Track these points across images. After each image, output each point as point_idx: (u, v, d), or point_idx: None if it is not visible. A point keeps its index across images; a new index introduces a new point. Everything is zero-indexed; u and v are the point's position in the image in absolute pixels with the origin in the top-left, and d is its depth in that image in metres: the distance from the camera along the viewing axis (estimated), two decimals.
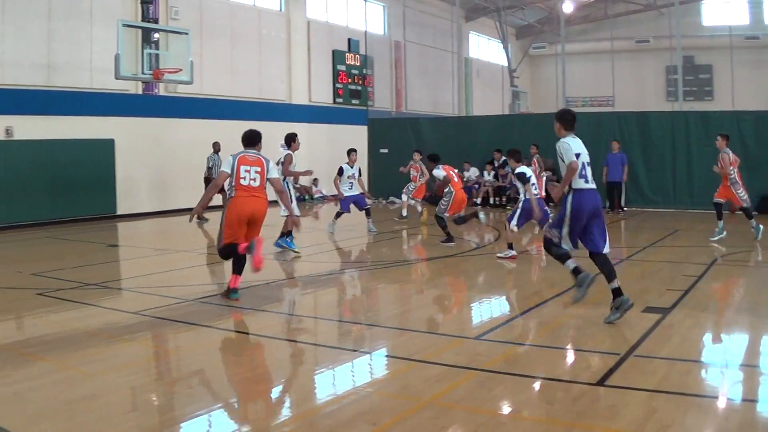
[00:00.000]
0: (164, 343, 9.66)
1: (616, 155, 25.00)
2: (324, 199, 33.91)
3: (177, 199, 25.77)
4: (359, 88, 38.74)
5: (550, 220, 11.65)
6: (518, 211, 15.62)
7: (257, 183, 11.65)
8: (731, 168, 17.40)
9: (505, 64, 48.69)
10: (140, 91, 27.41)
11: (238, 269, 11.88)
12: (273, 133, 26.27)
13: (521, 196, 15.75)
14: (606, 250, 9.86)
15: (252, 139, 12.17)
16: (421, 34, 42.95)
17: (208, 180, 24.17)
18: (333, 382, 7.85)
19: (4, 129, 22.93)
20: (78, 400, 7.06)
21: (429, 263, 15.88)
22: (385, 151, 32.10)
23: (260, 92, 32.80)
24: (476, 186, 28.97)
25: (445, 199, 17.88)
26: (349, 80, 38.22)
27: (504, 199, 28.09)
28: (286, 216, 15.95)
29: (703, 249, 16.64)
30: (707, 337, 9.35)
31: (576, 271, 9.77)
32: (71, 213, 24.43)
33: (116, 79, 21.92)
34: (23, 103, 23.35)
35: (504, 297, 12.43)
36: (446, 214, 17.86)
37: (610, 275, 9.72)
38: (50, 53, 24.18)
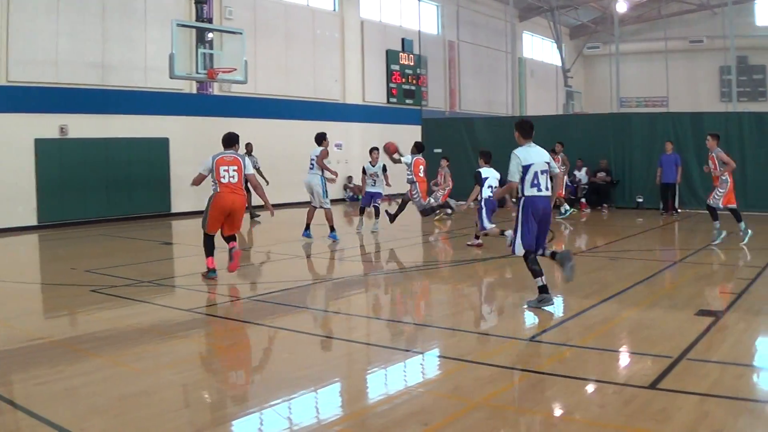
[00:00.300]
0: (217, 340, 9.61)
1: (669, 156, 24.59)
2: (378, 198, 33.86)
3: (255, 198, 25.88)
4: (413, 87, 38.69)
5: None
6: (482, 211, 16.33)
7: (236, 180, 13.33)
8: (722, 168, 17.55)
9: (559, 63, 48.35)
10: (194, 91, 27.57)
11: (210, 252, 13.73)
12: (328, 132, 26.39)
13: (480, 196, 16.45)
14: (540, 253, 11.00)
15: (230, 141, 13.81)
16: (474, 34, 42.81)
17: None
18: (385, 382, 7.76)
19: (59, 127, 23.14)
20: (130, 396, 7.03)
21: (480, 264, 15.74)
22: (439, 151, 31.92)
23: (314, 92, 32.87)
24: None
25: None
26: (403, 80, 38.20)
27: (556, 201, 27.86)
28: (323, 209, 18.58)
29: (757, 251, 16.34)
30: (760, 341, 9.11)
31: (542, 289, 10.78)
32: (125, 211, 24.63)
33: (171, 78, 21.99)
34: (78, 102, 23.57)
35: (557, 298, 12.26)
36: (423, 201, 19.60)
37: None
38: (105, 53, 24.38)
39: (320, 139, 18.88)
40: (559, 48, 47.37)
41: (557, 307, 11.59)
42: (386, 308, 12.03)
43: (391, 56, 37.53)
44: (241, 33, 23.55)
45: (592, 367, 7.86)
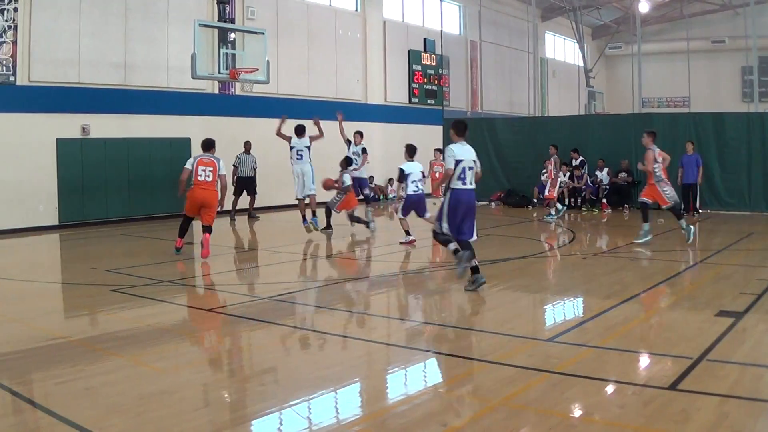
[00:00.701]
0: (237, 340, 9.63)
1: (690, 157, 24.43)
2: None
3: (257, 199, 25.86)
4: (435, 88, 38.65)
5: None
6: (402, 203, 18.06)
7: (210, 179, 16.14)
8: (656, 166, 17.45)
9: (581, 64, 48.19)
10: (216, 91, 27.63)
11: (182, 234, 16.81)
12: (350, 132, 26.34)
13: (403, 192, 18.01)
14: (474, 238, 12.23)
15: (208, 146, 16.85)
16: (496, 34, 42.75)
17: (241, 179, 24.36)
18: (405, 382, 7.76)
19: (80, 127, 23.24)
20: (150, 395, 7.04)
21: (500, 264, 15.71)
22: None
23: (336, 92, 32.87)
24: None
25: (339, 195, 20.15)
26: (425, 80, 38.16)
27: (579, 200, 27.74)
28: (309, 195, 20.08)
29: None
30: None
31: (455, 252, 12.10)
32: (146, 211, 24.69)
33: (193, 78, 22.05)
34: (100, 102, 23.65)
35: (577, 299, 12.23)
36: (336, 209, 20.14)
37: (472, 256, 12.00)
38: (127, 53, 24.46)
39: (303, 130, 20.54)
40: (581, 48, 47.25)
41: (577, 307, 11.57)
42: (405, 308, 12.01)
43: (413, 56, 37.49)
44: (263, 33, 23.59)
45: (611, 368, 7.82)
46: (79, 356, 8.44)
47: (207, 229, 16.16)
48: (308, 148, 20.34)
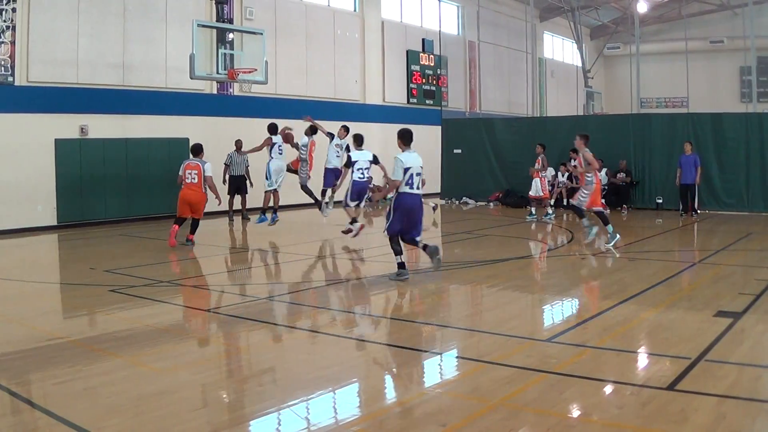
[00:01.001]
0: (235, 340, 9.63)
1: (689, 157, 24.37)
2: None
3: (252, 198, 25.77)
4: (433, 88, 38.66)
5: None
6: (348, 189, 18.64)
7: (196, 180, 18.03)
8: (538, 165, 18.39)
9: (580, 64, 48.21)
10: (215, 91, 27.62)
11: (179, 223, 18.54)
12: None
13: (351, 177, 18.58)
14: (419, 238, 13.36)
15: (196, 151, 18.65)
16: (495, 34, 42.72)
17: (233, 177, 24.37)
18: (403, 383, 7.77)
19: (79, 128, 23.23)
20: (148, 396, 7.04)
21: (499, 265, 15.73)
22: (459, 151, 31.97)
23: (334, 92, 32.87)
24: (550, 187, 28.63)
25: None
26: (423, 80, 38.16)
27: None
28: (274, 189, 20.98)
29: None
30: None
31: (400, 265, 13.29)
32: (145, 211, 24.67)
33: (191, 78, 22.01)
34: (98, 102, 23.64)
35: (575, 299, 12.25)
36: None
37: (415, 244, 13.39)
38: (125, 53, 24.45)
39: (276, 129, 21.58)
40: (580, 48, 47.27)
41: (576, 308, 11.59)
42: (404, 309, 12.01)
43: (411, 57, 37.48)
44: (261, 33, 23.56)
45: (610, 369, 7.83)
46: (78, 356, 8.46)
47: (194, 222, 18.64)
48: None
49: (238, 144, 24.45)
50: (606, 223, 17.43)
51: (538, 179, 24.22)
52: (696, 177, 24.18)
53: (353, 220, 18.69)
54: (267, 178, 20.94)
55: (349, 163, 18.33)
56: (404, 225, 13.10)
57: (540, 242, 19.78)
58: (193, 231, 18.46)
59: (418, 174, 13.03)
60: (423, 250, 13.41)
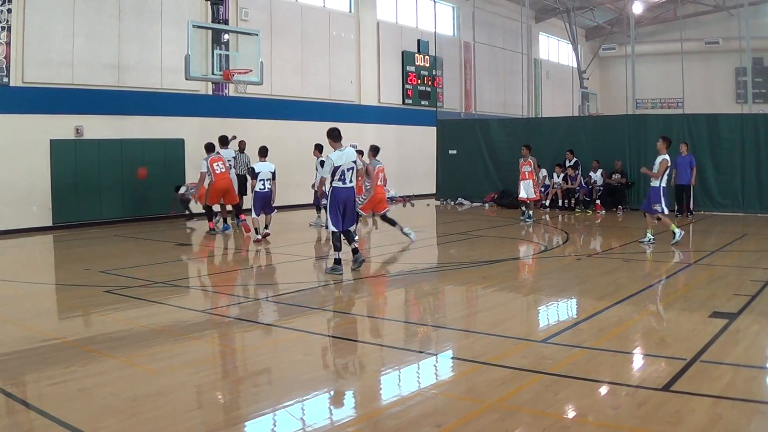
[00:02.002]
0: (231, 341, 9.63)
1: (684, 158, 24.36)
2: (392, 199, 33.78)
3: (247, 199, 25.79)
4: (428, 89, 38.67)
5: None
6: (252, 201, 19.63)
7: (224, 170, 20.57)
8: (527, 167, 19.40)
9: (575, 65, 48.24)
10: (210, 92, 27.63)
11: (210, 217, 21.02)
12: (343, 133, 26.29)
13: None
14: (353, 228, 14.63)
15: (212, 147, 20.86)
16: (490, 35, 42.72)
17: (237, 177, 24.47)
18: (398, 383, 7.76)
19: (74, 128, 23.22)
20: (143, 397, 7.04)
21: (494, 265, 15.73)
22: (454, 152, 31.97)
23: (330, 93, 32.89)
24: (544, 188, 28.63)
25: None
26: (419, 81, 38.18)
27: (573, 201, 27.76)
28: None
29: None
30: None
31: (336, 261, 14.24)
32: (140, 212, 24.67)
33: (186, 79, 22.04)
34: (93, 103, 23.64)
35: (570, 300, 12.25)
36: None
37: (351, 241, 14.49)
38: (120, 54, 24.45)
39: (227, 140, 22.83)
40: (575, 49, 47.31)
41: (571, 308, 11.58)
42: (399, 309, 11.99)
43: (406, 57, 37.51)
44: (257, 34, 23.62)
45: (605, 369, 7.83)
46: (73, 357, 8.45)
47: (236, 208, 21.55)
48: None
49: (242, 144, 24.45)
50: (393, 224, 18.82)
51: (530, 181, 23.52)
52: (691, 178, 24.21)
53: (257, 230, 19.24)
54: None
55: (254, 175, 19.30)
56: (340, 217, 14.10)
57: (535, 243, 19.75)
58: (239, 214, 21.25)
59: (350, 169, 14.14)
60: (353, 252, 14.53)
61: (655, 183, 17.87)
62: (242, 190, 23.98)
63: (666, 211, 18.07)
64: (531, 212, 23.63)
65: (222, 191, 20.55)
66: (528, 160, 23.37)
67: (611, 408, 6.64)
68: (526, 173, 23.29)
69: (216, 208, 21.43)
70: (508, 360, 8.16)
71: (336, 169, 13.93)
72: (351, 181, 14.18)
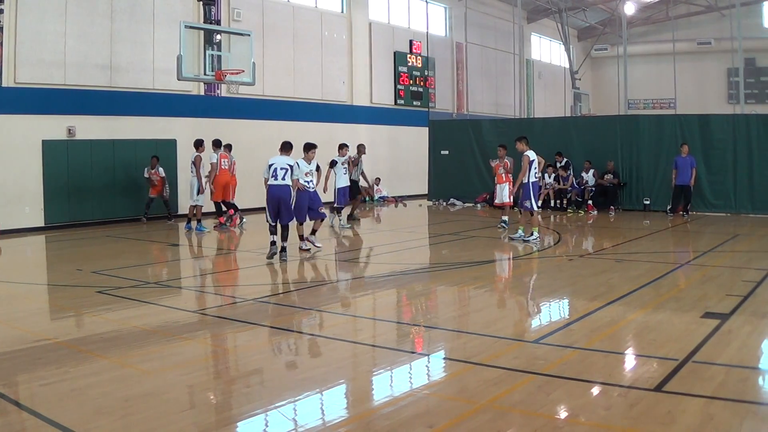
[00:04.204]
0: (223, 342, 9.62)
1: (685, 159, 24.42)
2: (384, 199, 33.80)
3: (239, 199, 25.74)
4: (420, 89, 38.66)
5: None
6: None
7: (228, 166, 22.47)
8: (502, 169, 19.80)
9: (567, 65, 48.29)
10: (202, 92, 27.59)
11: (220, 213, 22.79)
12: (335, 134, 26.33)
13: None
14: (291, 221, 16.21)
15: (219, 144, 22.49)
16: (482, 36, 42.79)
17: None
18: (390, 384, 7.76)
19: (66, 129, 23.20)
20: (136, 397, 7.03)
21: (486, 266, 15.75)
22: (446, 152, 31.97)
23: (322, 94, 32.87)
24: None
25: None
26: (411, 82, 38.17)
27: (565, 202, 27.79)
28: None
29: (764, 254, 16.30)
30: (766, 344, 9.09)
31: (272, 244, 16.15)
32: (132, 212, 24.61)
33: (178, 80, 22.02)
34: (85, 104, 23.62)
35: (562, 300, 12.26)
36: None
37: (284, 238, 16.16)
38: (112, 54, 24.42)
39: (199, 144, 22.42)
40: (567, 50, 47.34)
41: (563, 309, 11.60)
42: (391, 310, 12.00)
43: (399, 58, 37.51)
44: (249, 35, 23.61)
45: (597, 370, 7.84)
46: (65, 358, 8.43)
47: (227, 204, 22.92)
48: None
49: (227, 146, 24.46)
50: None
51: (506, 184, 21.39)
52: (691, 178, 24.27)
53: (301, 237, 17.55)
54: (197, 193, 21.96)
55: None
56: (275, 211, 16.04)
57: (527, 244, 19.76)
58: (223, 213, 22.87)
59: (283, 169, 16.05)
60: (281, 251, 16.07)
61: (525, 180, 18.46)
62: None
63: (536, 208, 18.57)
64: (507, 218, 21.68)
65: (222, 186, 22.30)
66: (505, 161, 21.41)
67: (603, 408, 6.65)
68: (503, 176, 21.45)
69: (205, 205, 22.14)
70: (500, 360, 8.16)
71: (270, 167, 16.15)
72: (283, 179, 16.03)
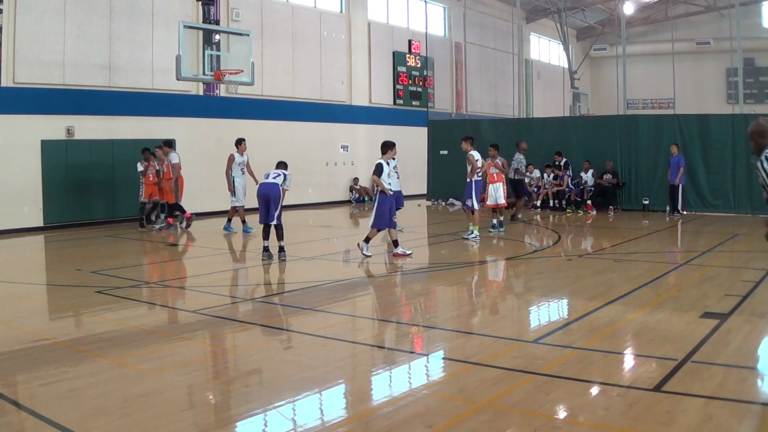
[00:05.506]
0: (222, 342, 9.62)
1: (674, 158, 24.53)
2: None
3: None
4: (419, 89, 38.68)
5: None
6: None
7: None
8: (494, 168, 19.82)
9: (566, 65, 48.30)
10: (201, 92, 27.60)
11: (171, 213, 22.48)
12: (335, 134, 26.30)
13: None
14: (274, 222, 15.94)
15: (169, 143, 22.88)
16: (481, 36, 42.77)
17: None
18: (389, 384, 7.75)
19: (65, 129, 23.21)
20: (134, 397, 7.02)
21: (487, 265, 15.74)
22: (445, 152, 31.93)
23: (321, 94, 32.87)
24: (536, 188, 28.67)
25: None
26: (410, 81, 38.21)
27: (564, 202, 27.78)
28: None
29: (763, 254, 16.30)
30: (765, 344, 9.06)
31: (264, 249, 16.13)
32: (131, 212, 24.58)
33: (177, 80, 22.02)
34: (84, 104, 23.63)
35: (562, 300, 12.25)
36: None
37: (279, 238, 16.08)
38: (111, 54, 24.43)
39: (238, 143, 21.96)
40: (566, 50, 47.37)
41: (562, 309, 11.59)
42: (391, 310, 11.98)
43: (398, 58, 37.53)
44: (248, 35, 23.61)
45: (596, 370, 7.83)
46: (64, 358, 8.43)
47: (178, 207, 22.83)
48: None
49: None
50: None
51: (499, 184, 20.69)
52: (677, 177, 24.29)
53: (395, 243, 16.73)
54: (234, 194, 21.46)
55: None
56: (265, 209, 16.02)
57: (526, 244, 19.76)
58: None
59: (276, 174, 16.35)
60: (280, 251, 16.10)
61: (468, 179, 19.07)
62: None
63: (476, 207, 18.89)
64: (502, 218, 21.25)
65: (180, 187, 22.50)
66: (494, 161, 20.72)
67: (602, 408, 6.64)
68: (495, 175, 20.63)
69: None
70: (499, 360, 8.16)
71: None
72: (266, 178, 16.31)
